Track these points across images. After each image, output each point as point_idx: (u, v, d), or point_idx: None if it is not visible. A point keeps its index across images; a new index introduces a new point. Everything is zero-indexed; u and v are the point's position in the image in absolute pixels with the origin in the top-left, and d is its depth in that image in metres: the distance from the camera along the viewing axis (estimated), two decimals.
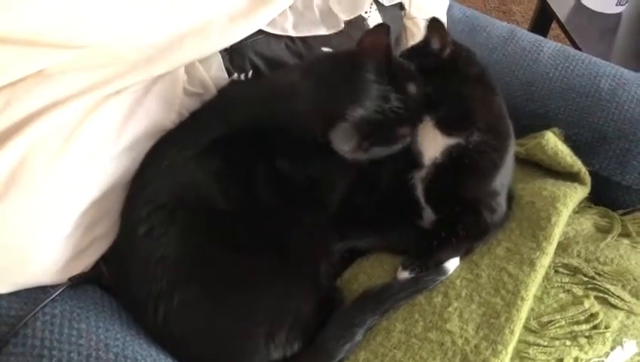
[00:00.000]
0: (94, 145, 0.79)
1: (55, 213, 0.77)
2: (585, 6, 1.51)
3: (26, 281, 0.76)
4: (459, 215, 0.89)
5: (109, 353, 0.70)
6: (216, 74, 0.92)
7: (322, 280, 0.86)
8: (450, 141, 0.87)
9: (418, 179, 0.90)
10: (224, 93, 0.92)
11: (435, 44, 0.89)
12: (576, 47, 1.40)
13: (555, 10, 1.49)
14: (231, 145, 0.84)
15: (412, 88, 0.83)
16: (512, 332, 0.80)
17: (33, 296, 0.75)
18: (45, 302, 0.74)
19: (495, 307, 0.83)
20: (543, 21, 1.63)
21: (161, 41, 0.86)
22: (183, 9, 0.89)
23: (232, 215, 0.81)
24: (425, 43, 0.92)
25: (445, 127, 0.87)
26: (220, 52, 0.92)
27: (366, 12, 1.01)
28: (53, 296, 0.75)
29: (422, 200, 0.91)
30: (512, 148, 0.92)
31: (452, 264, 0.88)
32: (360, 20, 1.01)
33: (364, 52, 0.83)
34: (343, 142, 0.79)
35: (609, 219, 1.01)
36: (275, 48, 0.97)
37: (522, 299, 0.83)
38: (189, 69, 0.90)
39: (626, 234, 0.99)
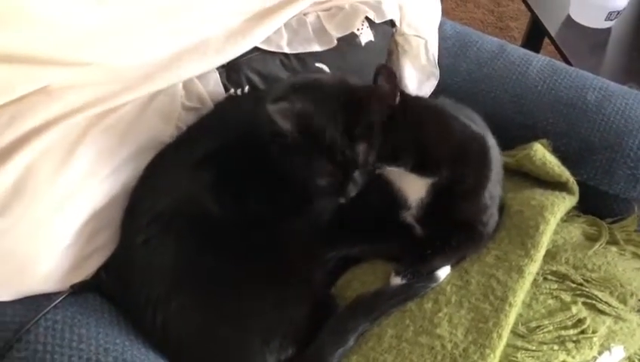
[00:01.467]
0: (95, 158, 0.82)
1: (57, 224, 0.80)
2: (575, 21, 1.55)
3: (29, 289, 0.79)
4: (452, 229, 0.92)
5: (108, 357, 0.73)
6: (214, 89, 0.96)
7: (316, 287, 0.89)
8: (429, 180, 0.88)
9: (409, 216, 0.92)
10: (220, 108, 0.96)
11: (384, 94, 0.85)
12: (567, 62, 1.43)
13: (545, 26, 1.53)
14: (225, 158, 0.87)
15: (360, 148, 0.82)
16: (499, 336, 0.82)
17: (36, 304, 0.78)
18: (47, 309, 0.77)
19: (484, 312, 0.85)
20: (535, 37, 1.67)
21: (160, 59, 0.90)
22: (182, 29, 0.93)
23: (226, 225, 0.84)
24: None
25: (418, 170, 0.88)
26: (217, 68, 0.96)
27: (358, 29, 1.05)
28: (55, 303, 0.78)
29: (416, 227, 0.93)
30: (494, 161, 0.93)
31: (443, 272, 0.90)
32: (352, 38, 1.05)
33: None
34: (279, 117, 0.78)
35: (597, 227, 1.03)
36: (271, 64, 1.01)
37: (510, 304, 0.85)
38: (187, 84, 0.93)
39: (613, 241, 1.02)
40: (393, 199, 0.90)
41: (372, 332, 0.85)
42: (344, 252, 0.94)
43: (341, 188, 0.82)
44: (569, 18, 1.57)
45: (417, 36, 1.10)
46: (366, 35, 1.06)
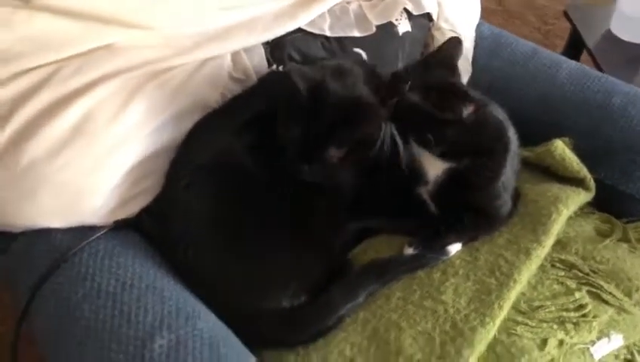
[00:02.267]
0: (146, 111, 0.92)
1: (109, 164, 0.89)
2: (615, 35, 1.58)
3: (79, 220, 0.89)
4: (465, 211, 0.97)
5: (142, 283, 0.82)
6: (258, 63, 1.04)
7: (335, 250, 0.96)
8: (447, 164, 0.93)
9: (425, 191, 0.98)
10: (263, 81, 1.04)
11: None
12: (600, 71, 1.46)
13: (584, 38, 1.57)
14: (264, 124, 0.95)
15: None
16: (500, 307, 0.87)
17: (82, 233, 0.88)
18: (92, 238, 0.87)
19: (489, 286, 0.90)
20: (574, 50, 1.70)
21: (212, 30, 1.00)
22: (234, 6, 1.02)
23: (260, 182, 0.91)
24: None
25: (440, 154, 0.93)
26: (263, 44, 1.05)
27: (396, 19, 1.12)
28: (99, 234, 0.88)
29: (430, 205, 0.98)
30: (512, 154, 0.97)
31: (454, 247, 0.96)
32: (390, 27, 1.12)
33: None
34: (297, 77, 0.86)
35: (610, 224, 1.07)
36: (312, 45, 1.09)
37: (515, 281, 0.90)
38: (235, 57, 1.02)
39: (626, 239, 1.05)
40: (413, 172, 0.95)
41: (381, 293, 0.91)
42: (364, 223, 1.01)
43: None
44: (609, 32, 1.60)
45: (453, 31, 1.16)
46: (404, 26, 1.13)
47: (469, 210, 0.96)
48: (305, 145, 0.88)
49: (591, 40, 1.59)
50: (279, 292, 0.86)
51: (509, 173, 0.96)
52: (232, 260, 0.86)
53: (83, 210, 0.88)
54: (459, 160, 0.92)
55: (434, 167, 0.95)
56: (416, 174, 0.95)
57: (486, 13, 1.36)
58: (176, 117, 0.96)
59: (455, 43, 0.92)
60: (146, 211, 0.94)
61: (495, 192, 0.96)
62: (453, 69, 0.92)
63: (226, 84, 1.02)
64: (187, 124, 0.97)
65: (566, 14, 1.69)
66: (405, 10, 1.12)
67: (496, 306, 0.87)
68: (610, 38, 1.59)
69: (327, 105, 0.87)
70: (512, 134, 1.00)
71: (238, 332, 0.82)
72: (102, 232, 0.88)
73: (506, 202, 0.99)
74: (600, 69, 1.46)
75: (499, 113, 1.03)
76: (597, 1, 1.79)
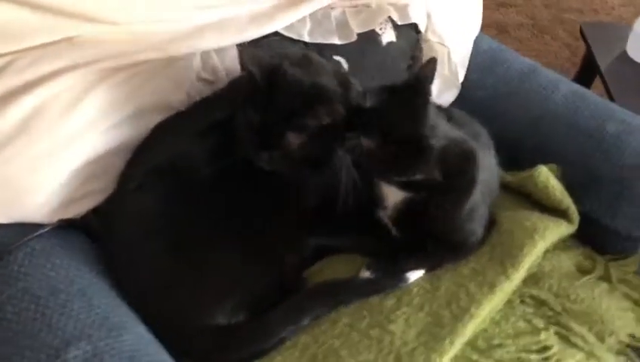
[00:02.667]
0: (102, 108, 0.89)
1: (55, 162, 0.86)
2: (630, 58, 1.49)
3: (20, 216, 0.86)
4: (427, 237, 0.91)
5: (72, 287, 0.79)
6: (230, 65, 1.00)
7: (287, 267, 0.91)
8: (405, 194, 0.87)
9: (384, 215, 0.92)
10: (233, 85, 1.00)
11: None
12: (610, 97, 1.38)
13: (597, 59, 1.48)
14: (227, 130, 0.91)
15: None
16: (451, 343, 0.81)
17: (24, 231, 0.85)
18: (31, 237, 0.84)
19: (442, 319, 0.84)
20: (588, 70, 1.62)
21: (183, 30, 0.96)
22: (208, 5, 0.98)
23: (217, 190, 0.87)
24: None
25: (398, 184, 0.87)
26: (237, 46, 1.00)
27: (380, 28, 1.07)
28: (40, 233, 0.85)
29: (392, 228, 0.92)
30: (486, 183, 0.91)
31: (414, 274, 0.90)
32: (373, 36, 1.07)
33: None
34: (250, 61, 0.83)
35: (592, 261, 1.00)
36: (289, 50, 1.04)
37: (471, 315, 0.84)
38: (204, 56, 0.98)
39: (606, 278, 0.98)
40: (372, 196, 0.90)
41: (328, 317, 0.86)
42: (323, 241, 0.96)
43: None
44: (624, 54, 1.51)
45: (441, 44, 1.10)
46: (388, 36, 1.08)
47: (431, 236, 0.90)
48: (263, 131, 0.83)
49: (605, 61, 1.51)
50: (216, 306, 0.82)
51: (477, 202, 0.90)
52: (169, 269, 0.82)
53: (25, 207, 0.86)
54: (417, 191, 0.86)
55: (392, 195, 0.89)
56: (376, 198, 0.90)
57: (513, 27, 1.28)
58: (135, 116, 0.93)
59: (432, 67, 0.85)
60: (94, 211, 0.91)
61: (456, 224, 0.89)
62: (425, 97, 0.84)
63: (193, 85, 0.98)
64: (147, 124, 0.94)
65: (582, 32, 1.61)
66: (391, 19, 1.07)
67: (447, 341, 0.81)
68: (625, 59, 1.51)
69: (284, 90, 0.83)
70: (488, 162, 0.94)
71: (169, 347, 0.79)
72: (43, 230, 0.85)
73: (472, 231, 0.92)
74: (609, 92, 1.38)
75: (481, 136, 0.98)
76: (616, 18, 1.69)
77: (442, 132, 0.82)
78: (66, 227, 0.88)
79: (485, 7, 1.20)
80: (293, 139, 0.84)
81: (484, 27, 1.21)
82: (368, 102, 0.80)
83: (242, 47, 0.85)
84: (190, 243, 0.83)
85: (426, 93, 0.81)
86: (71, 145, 0.87)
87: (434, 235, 0.90)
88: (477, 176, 0.87)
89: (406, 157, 0.80)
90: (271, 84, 0.83)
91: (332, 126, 0.83)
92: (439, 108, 1.06)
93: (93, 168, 0.90)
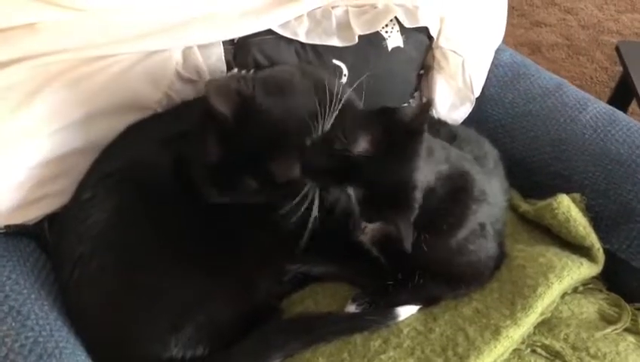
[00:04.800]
0: (60, 103, 0.80)
1: (8, 160, 0.78)
2: None
3: None
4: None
5: (3, 304, 0.69)
6: (215, 64, 0.91)
7: (259, 294, 0.80)
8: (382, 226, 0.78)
9: (365, 239, 0.82)
10: None
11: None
12: None
13: (633, 78, 1.35)
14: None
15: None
16: None
17: None
18: None
19: None
20: (623, 94, 1.48)
21: (163, 22, 0.87)
22: None
23: (178, 203, 0.78)
24: None
25: None
26: (225, 44, 0.91)
27: (386, 32, 0.96)
28: None
29: (373, 251, 0.82)
30: (479, 213, 0.79)
31: (406, 310, 0.79)
32: (377, 39, 0.96)
33: None
34: (218, 99, 0.73)
35: (619, 309, 0.86)
36: (284, 51, 0.94)
37: None
38: (186, 53, 0.89)
39: (634, 330, 0.84)
40: (350, 220, 0.79)
41: (303, 357, 0.74)
42: (305, 268, 0.85)
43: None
44: None
45: (454, 52, 0.99)
46: (394, 40, 0.97)
47: (422, 267, 0.77)
48: (222, 169, 0.75)
49: None
50: (169, 336, 0.71)
51: (472, 233, 0.78)
52: (119, 290, 0.72)
53: None
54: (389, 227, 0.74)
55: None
56: (354, 222, 0.79)
57: (547, 47, 1.16)
58: (102, 114, 0.83)
59: (425, 113, 0.73)
60: (49, 219, 0.81)
61: (441, 255, 0.78)
62: (416, 151, 0.71)
63: (172, 84, 0.89)
64: (117, 125, 0.85)
65: (618, 51, 1.47)
66: (399, 22, 0.96)
67: None
68: None
69: (251, 130, 0.74)
70: (492, 188, 0.82)
71: None
72: None
73: (469, 264, 0.80)
74: None
75: (488, 158, 0.87)
76: None
77: (431, 171, 0.72)
78: (14, 233, 0.78)
79: (518, 25, 1.08)
80: (251, 184, 0.76)
81: (517, 46, 1.10)
82: (356, 149, 0.69)
83: (208, 82, 0.76)
84: (143, 261, 0.74)
85: (417, 147, 0.70)
86: (24, 142, 0.78)
87: (422, 266, 0.78)
88: (468, 215, 0.77)
89: (389, 209, 0.71)
90: (240, 121, 0.74)
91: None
92: (441, 123, 0.95)
93: (50, 168, 0.81)
